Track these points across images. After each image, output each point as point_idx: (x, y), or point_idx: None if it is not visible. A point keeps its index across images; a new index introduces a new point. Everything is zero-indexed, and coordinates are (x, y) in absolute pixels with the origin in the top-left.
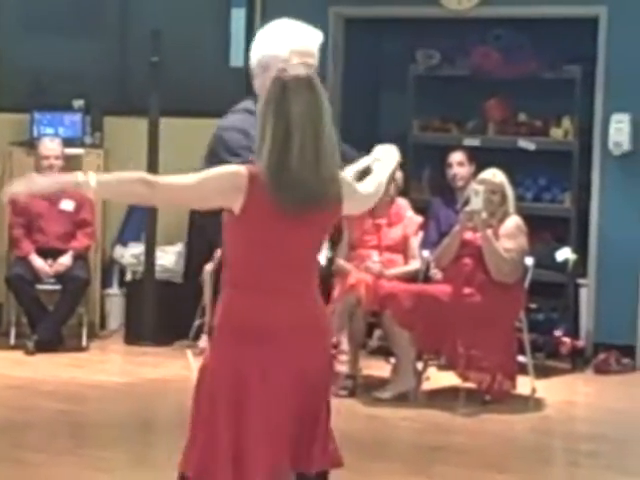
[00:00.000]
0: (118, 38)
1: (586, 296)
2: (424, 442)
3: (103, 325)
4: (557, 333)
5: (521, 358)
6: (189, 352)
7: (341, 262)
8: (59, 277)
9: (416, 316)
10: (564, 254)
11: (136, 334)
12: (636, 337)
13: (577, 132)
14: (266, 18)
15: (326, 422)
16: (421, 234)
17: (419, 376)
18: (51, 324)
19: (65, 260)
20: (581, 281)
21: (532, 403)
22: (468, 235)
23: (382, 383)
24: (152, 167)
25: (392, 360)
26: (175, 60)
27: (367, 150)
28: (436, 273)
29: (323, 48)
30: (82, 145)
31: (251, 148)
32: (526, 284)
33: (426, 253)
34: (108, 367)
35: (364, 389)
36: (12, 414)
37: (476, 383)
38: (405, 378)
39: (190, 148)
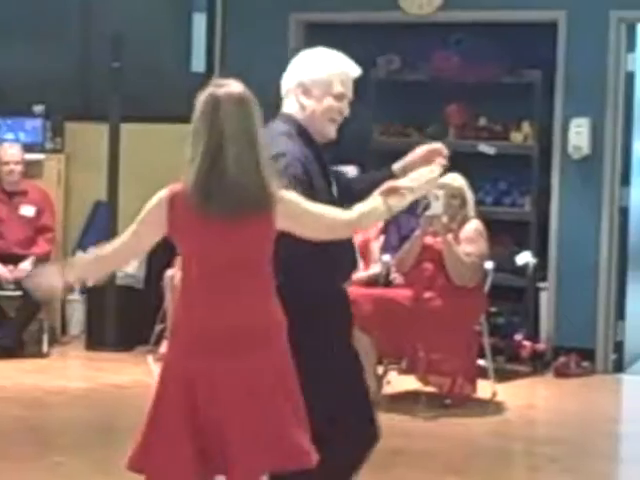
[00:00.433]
0: (79, 43)
1: (546, 300)
2: (385, 446)
3: (64, 331)
4: (517, 337)
5: (481, 362)
6: (150, 358)
7: None
8: (20, 283)
9: (376, 320)
10: (524, 258)
11: (97, 340)
12: (595, 340)
13: (537, 136)
14: (227, 23)
15: (290, 421)
16: (382, 238)
17: (380, 380)
18: (12, 330)
19: (26, 266)
20: (541, 285)
21: (492, 407)
22: (428, 239)
23: None
24: (113, 172)
25: None
26: (136, 65)
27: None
28: (396, 277)
29: (284, 54)
30: (43, 150)
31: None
32: (486, 288)
33: (387, 257)
34: (69, 373)
35: None
36: None
37: (437, 387)
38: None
39: (151, 153)
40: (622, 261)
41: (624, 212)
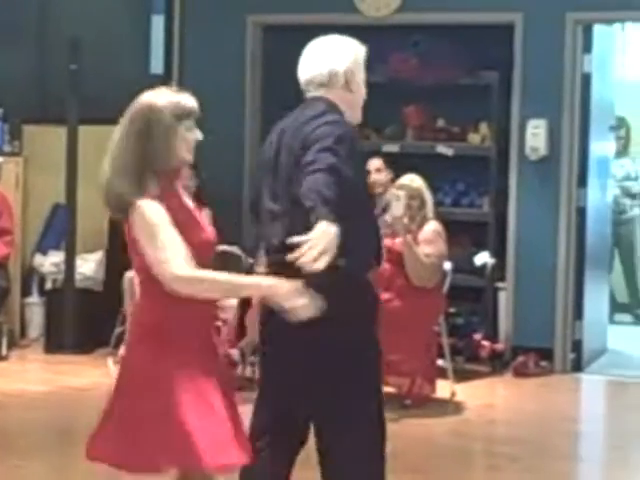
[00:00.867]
0: (36, 46)
1: (504, 300)
2: None
3: (23, 334)
4: (476, 337)
5: (441, 362)
6: (110, 360)
7: (261, 269)
8: None
9: None
10: (482, 258)
11: (56, 343)
12: (554, 340)
13: (494, 137)
14: (185, 25)
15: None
16: None
17: None
18: None
19: None
20: (499, 285)
21: (452, 406)
22: (387, 241)
23: None
24: (71, 175)
25: None
26: (94, 68)
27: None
28: None
29: (242, 56)
30: (0, 153)
31: None
32: (445, 288)
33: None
34: (28, 376)
35: None
36: None
37: (396, 387)
38: None
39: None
40: (580, 261)
41: (581, 212)
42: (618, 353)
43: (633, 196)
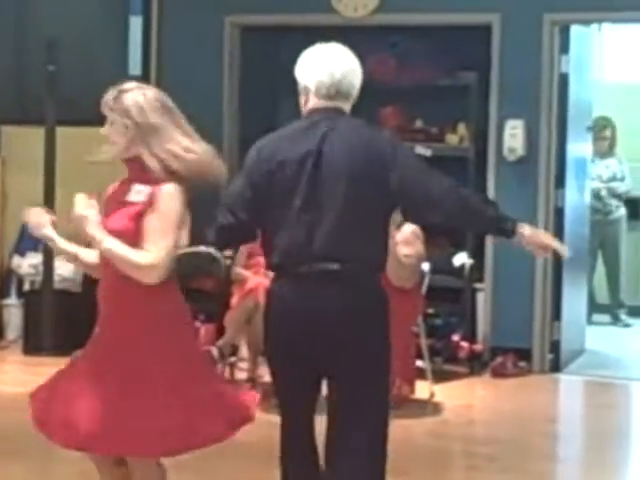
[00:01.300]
0: (14, 46)
1: (483, 300)
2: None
3: (1, 336)
4: (455, 337)
5: (419, 363)
6: None
7: (239, 270)
8: None
9: None
10: (461, 259)
11: (35, 344)
12: (532, 341)
13: (472, 138)
14: (163, 26)
15: None
16: None
17: None
18: None
19: None
20: (478, 286)
21: (430, 407)
22: None
23: None
24: (49, 176)
25: None
26: (72, 68)
27: None
28: None
29: (220, 57)
30: None
31: None
32: (423, 289)
33: None
34: (6, 378)
35: (264, 396)
36: None
37: None
38: None
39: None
40: (558, 262)
41: (559, 213)
42: (596, 354)
43: (619, 197)
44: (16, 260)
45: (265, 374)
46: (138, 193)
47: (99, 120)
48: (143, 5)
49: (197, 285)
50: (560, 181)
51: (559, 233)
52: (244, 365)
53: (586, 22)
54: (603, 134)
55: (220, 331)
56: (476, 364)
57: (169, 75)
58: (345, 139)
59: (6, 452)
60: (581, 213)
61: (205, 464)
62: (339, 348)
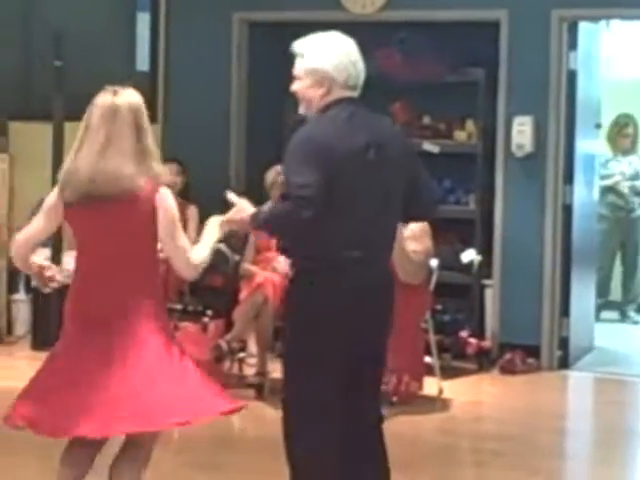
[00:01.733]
0: (21, 42)
1: (491, 297)
2: None
3: (10, 331)
4: (463, 334)
5: (427, 359)
6: None
7: (248, 265)
8: None
9: None
10: (469, 255)
11: (43, 340)
12: (541, 337)
13: (480, 134)
14: (171, 22)
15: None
16: None
17: None
18: None
19: None
20: (486, 282)
21: (439, 404)
22: None
23: None
24: (57, 171)
25: None
26: (79, 64)
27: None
28: None
29: (227, 53)
30: None
31: None
32: (432, 286)
33: None
34: (15, 373)
35: (272, 392)
36: None
37: (383, 385)
38: None
39: None
40: (566, 258)
41: (568, 210)
42: (605, 350)
43: None
44: None
45: (273, 370)
46: None
47: None
48: (151, 1)
49: (206, 281)
50: (569, 177)
51: (567, 229)
52: (252, 361)
53: (594, 19)
54: (625, 131)
55: (229, 327)
56: (484, 360)
57: (177, 71)
58: (386, 130)
59: (19, 447)
60: (589, 209)
61: (216, 458)
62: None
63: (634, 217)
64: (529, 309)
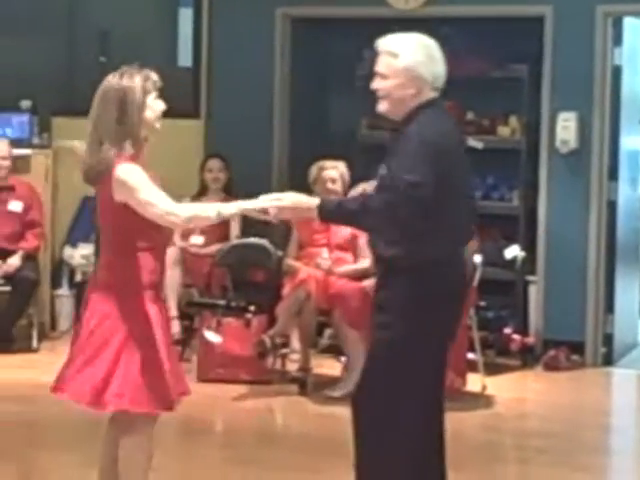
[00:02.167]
0: (66, 38)
1: (535, 293)
2: None
3: (53, 326)
4: (507, 330)
5: (471, 355)
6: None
7: (291, 261)
8: (8, 278)
9: (365, 315)
10: (513, 252)
11: None
12: (585, 334)
13: (524, 130)
14: (213, 18)
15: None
16: None
17: None
18: (1, 325)
19: (14, 261)
20: (530, 278)
21: (482, 400)
22: None
23: (333, 381)
24: None
25: (343, 359)
26: (123, 60)
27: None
28: None
29: (270, 49)
30: (30, 146)
31: None
32: (475, 282)
33: None
34: (59, 368)
35: (315, 388)
36: None
37: None
38: (356, 376)
39: None
40: (610, 254)
41: (612, 206)
42: None
43: None
44: (68, 251)
45: (316, 365)
46: None
47: None
48: None
49: (249, 276)
50: (613, 174)
51: (612, 226)
52: (295, 357)
53: (639, 14)
54: None
55: (272, 323)
56: (528, 357)
57: (219, 67)
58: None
59: (61, 441)
60: (634, 206)
61: (258, 454)
62: None
63: None
64: (573, 305)
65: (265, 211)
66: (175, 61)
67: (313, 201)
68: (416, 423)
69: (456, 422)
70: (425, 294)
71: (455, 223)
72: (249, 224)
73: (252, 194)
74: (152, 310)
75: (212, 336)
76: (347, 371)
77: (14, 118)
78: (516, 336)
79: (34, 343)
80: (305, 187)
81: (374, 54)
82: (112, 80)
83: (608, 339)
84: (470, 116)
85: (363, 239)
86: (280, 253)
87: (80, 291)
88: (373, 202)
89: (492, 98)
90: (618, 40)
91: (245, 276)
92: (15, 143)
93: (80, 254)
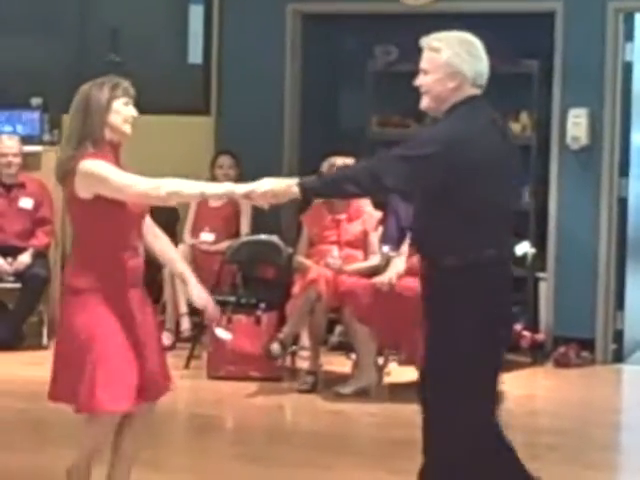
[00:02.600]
0: (77, 36)
1: (545, 290)
2: (386, 437)
3: None
4: (517, 327)
5: None
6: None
7: (301, 258)
8: (19, 275)
9: (375, 312)
10: (523, 248)
11: None
12: (595, 330)
13: (535, 127)
14: (224, 14)
15: None
16: (381, 229)
17: (380, 371)
18: (11, 322)
19: (25, 258)
20: (540, 275)
21: None
22: None
23: (343, 378)
24: None
25: (353, 356)
26: (133, 58)
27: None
28: None
29: (281, 45)
30: (40, 143)
31: None
32: None
33: (386, 248)
34: None
35: (325, 385)
36: None
37: None
38: (366, 373)
39: (148, 146)
40: (621, 251)
41: (623, 202)
42: None
43: None
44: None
45: (326, 363)
46: None
47: (160, 108)
48: None
49: (259, 273)
50: (624, 170)
51: (622, 222)
52: (305, 354)
53: None
54: None
55: (282, 319)
56: (538, 354)
57: (230, 64)
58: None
59: (71, 438)
60: None
61: (268, 451)
62: None
63: None
64: (583, 302)
65: (248, 196)
66: (185, 58)
67: (292, 181)
68: (482, 416)
69: None
70: (484, 292)
71: (492, 217)
72: (259, 221)
73: None
74: (99, 309)
75: (222, 333)
76: (357, 368)
77: (25, 115)
78: (526, 333)
79: (44, 340)
80: None
81: (385, 51)
82: (84, 87)
83: (618, 336)
84: None
85: (374, 235)
86: (290, 250)
87: None
88: (354, 169)
89: (503, 94)
90: (629, 36)
91: (255, 273)
92: (26, 140)
93: None
